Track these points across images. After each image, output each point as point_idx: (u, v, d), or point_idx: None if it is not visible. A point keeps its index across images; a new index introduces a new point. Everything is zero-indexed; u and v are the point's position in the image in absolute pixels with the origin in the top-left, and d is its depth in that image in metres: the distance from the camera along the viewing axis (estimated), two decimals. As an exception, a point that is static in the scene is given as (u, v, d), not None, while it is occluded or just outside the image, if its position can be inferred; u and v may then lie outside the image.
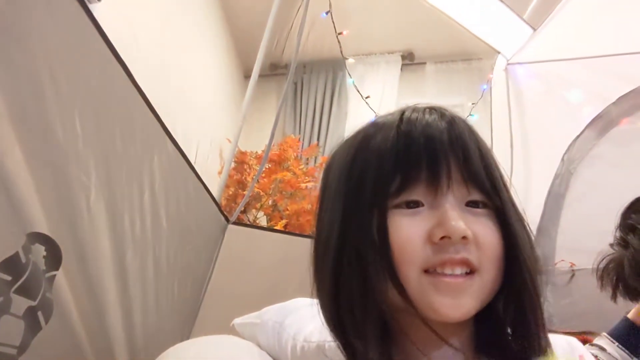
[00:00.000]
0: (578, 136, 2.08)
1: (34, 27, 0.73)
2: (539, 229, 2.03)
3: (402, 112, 0.55)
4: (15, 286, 0.68)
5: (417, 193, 0.50)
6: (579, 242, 1.99)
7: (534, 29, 2.20)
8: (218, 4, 3.16)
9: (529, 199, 2.16)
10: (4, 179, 0.66)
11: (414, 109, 0.55)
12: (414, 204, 0.51)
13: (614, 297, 1.00)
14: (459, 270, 0.49)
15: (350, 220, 0.52)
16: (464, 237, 0.48)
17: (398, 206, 0.51)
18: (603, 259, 1.02)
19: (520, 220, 0.54)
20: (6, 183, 0.67)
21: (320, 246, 0.56)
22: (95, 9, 1.10)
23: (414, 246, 0.49)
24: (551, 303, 1.77)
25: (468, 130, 0.53)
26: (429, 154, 0.50)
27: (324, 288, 0.54)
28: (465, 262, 0.48)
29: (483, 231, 0.50)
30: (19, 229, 0.70)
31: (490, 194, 0.51)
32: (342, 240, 0.53)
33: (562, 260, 1.95)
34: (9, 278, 0.67)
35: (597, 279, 1.02)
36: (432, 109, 0.55)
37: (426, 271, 0.49)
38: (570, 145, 2.09)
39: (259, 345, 0.82)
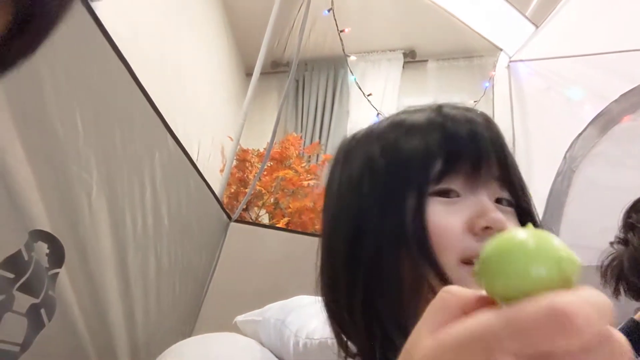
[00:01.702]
0: (580, 134, 2.08)
1: (36, 25, 0.73)
2: (541, 226, 2.03)
3: (439, 107, 0.56)
4: (18, 284, 0.69)
5: (456, 183, 0.52)
6: (581, 240, 1.98)
7: (536, 27, 2.20)
8: (219, 2, 3.15)
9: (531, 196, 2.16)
10: (6, 176, 0.67)
11: (447, 105, 0.56)
12: (452, 193, 0.52)
13: (615, 294, 1.01)
14: None
15: (385, 208, 0.52)
16: (502, 230, 0.49)
17: (436, 193, 0.51)
18: (607, 257, 1.03)
19: (538, 223, 0.57)
20: (7, 180, 0.67)
21: (332, 240, 0.56)
22: (96, 6, 1.09)
23: (454, 234, 0.50)
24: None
25: (501, 132, 0.56)
26: (473, 148, 0.52)
27: (337, 283, 0.54)
28: None
29: (512, 227, 0.51)
30: (21, 227, 0.70)
31: (519, 194, 0.54)
32: (359, 231, 0.53)
33: (564, 258, 1.95)
34: (11, 276, 0.67)
35: (600, 277, 1.03)
36: (467, 108, 0.56)
37: (464, 262, 0.49)
38: (572, 143, 2.09)
39: (261, 343, 0.82)
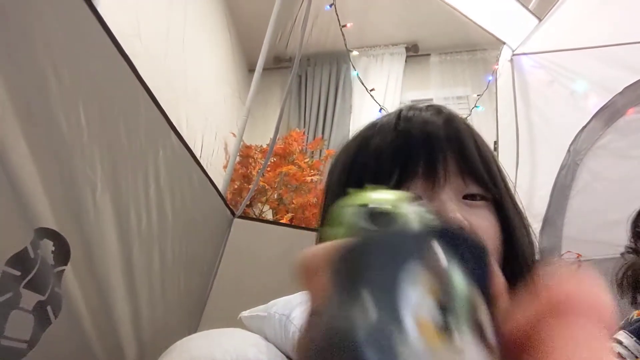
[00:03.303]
0: (584, 127, 2.07)
1: (38, 22, 0.73)
2: (545, 220, 2.03)
3: (400, 111, 0.56)
4: (25, 281, 0.69)
5: (415, 187, 0.51)
6: (585, 233, 1.98)
7: (540, 19, 2.18)
8: (221, -3, 3.15)
9: (535, 190, 2.15)
10: (11, 174, 0.67)
11: (411, 107, 0.57)
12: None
13: (634, 302, 1.01)
14: None
15: None
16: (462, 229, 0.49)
17: None
18: (620, 268, 1.03)
19: (519, 213, 0.55)
20: (13, 178, 0.67)
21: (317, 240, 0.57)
22: (98, 3, 1.09)
23: None
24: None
25: (465, 126, 0.55)
26: (426, 149, 0.51)
27: None
28: None
29: (480, 223, 0.50)
30: (27, 225, 0.70)
31: (489, 186, 0.52)
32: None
33: (569, 252, 1.95)
34: (18, 273, 0.68)
35: (617, 288, 1.03)
36: (429, 107, 0.56)
37: None
38: (577, 136, 2.08)
39: (266, 338, 0.82)
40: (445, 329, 0.16)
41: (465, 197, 0.52)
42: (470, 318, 0.19)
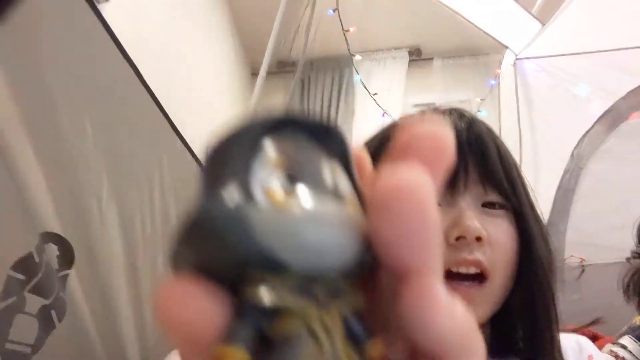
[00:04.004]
0: (587, 131, 2.07)
1: (44, 29, 0.74)
2: (549, 224, 2.03)
3: (422, 114, 0.55)
4: (30, 285, 0.70)
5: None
6: (588, 237, 1.98)
7: (543, 24, 2.19)
8: (225, 3, 3.16)
9: (538, 194, 2.12)
10: (17, 179, 0.67)
11: (435, 111, 0.56)
12: None
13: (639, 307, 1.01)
14: (473, 270, 0.48)
15: None
16: (479, 238, 0.48)
17: None
18: (627, 274, 1.04)
19: (539, 222, 0.54)
20: (19, 184, 0.68)
21: None
22: (103, 9, 1.10)
23: None
24: (560, 299, 1.76)
25: (487, 131, 0.53)
26: None
27: None
28: (477, 264, 0.48)
29: (498, 233, 0.50)
30: (32, 229, 0.71)
31: (508, 195, 0.51)
32: None
33: (572, 256, 1.95)
34: (23, 277, 0.68)
35: (623, 293, 1.03)
36: (452, 110, 0.55)
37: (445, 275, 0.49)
38: (580, 140, 2.08)
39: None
40: (294, 192, 0.17)
41: (485, 204, 0.51)
42: (320, 180, 0.19)
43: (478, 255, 0.48)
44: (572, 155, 2.08)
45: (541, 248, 0.52)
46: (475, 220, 0.48)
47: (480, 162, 0.51)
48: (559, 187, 2.08)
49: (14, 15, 0.67)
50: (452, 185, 0.50)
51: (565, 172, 2.09)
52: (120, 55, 0.93)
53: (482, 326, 0.52)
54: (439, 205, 0.50)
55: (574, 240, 2.00)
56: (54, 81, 0.76)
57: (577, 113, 2.15)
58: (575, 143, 2.09)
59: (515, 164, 0.55)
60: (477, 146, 0.51)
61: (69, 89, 0.79)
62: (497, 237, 0.50)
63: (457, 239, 0.48)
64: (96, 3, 0.88)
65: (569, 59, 2.21)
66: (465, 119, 0.53)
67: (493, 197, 0.51)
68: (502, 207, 0.52)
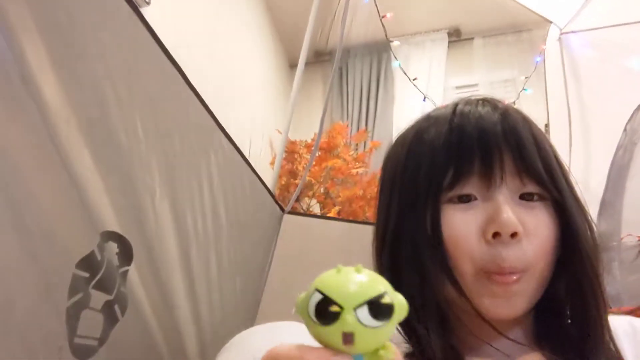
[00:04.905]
0: (641, 104, 1.98)
1: (92, 38, 0.77)
2: (603, 203, 1.95)
3: (456, 105, 0.55)
4: (93, 282, 0.73)
5: (471, 186, 0.50)
6: (645, 215, 1.90)
7: (588, -5, 2.10)
8: (261, -1, 3.19)
9: (590, 172, 2.08)
10: (77, 183, 0.71)
11: (467, 102, 0.55)
12: (467, 198, 0.50)
13: None
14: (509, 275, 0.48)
15: (405, 215, 0.53)
16: (515, 234, 0.48)
17: (451, 200, 0.51)
18: None
19: (581, 210, 0.53)
20: (79, 187, 0.72)
21: (379, 239, 0.57)
22: (145, 12, 1.13)
23: (469, 242, 0.49)
24: (618, 280, 1.70)
25: (522, 121, 0.52)
26: (481, 147, 0.50)
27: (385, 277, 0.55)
28: (512, 270, 0.48)
29: (536, 224, 0.49)
30: (93, 229, 0.75)
31: (547, 184, 0.50)
32: (398, 233, 0.53)
33: (629, 235, 1.87)
34: (87, 275, 0.72)
35: None
36: (485, 101, 0.54)
37: (483, 271, 0.49)
38: (633, 114, 1.99)
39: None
40: None
41: (523, 196, 0.50)
42: None
43: (512, 256, 0.48)
44: (625, 129, 1.99)
45: (584, 236, 0.51)
46: (511, 214, 0.48)
47: (516, 154, 0.50)
48: (613, 164, 2.00)
49: (66, 27, 0.70)
50: (488, 179, 0.50)
51: (619, 147, 2.00)
52: (166, 58, 0.96)
53: (525, 315, 0.52)
54: (476, 199, 0.49)
55: (631, 219, 1.92)
56: (106, 88, 0.79)
57: (629, 86, 2.05)
58: (628, 117, 1.99)
59: (554, 152, 0.53)
60: (512, 137, 0.50)
61: (121, 96, 0.82)
62: (535, 228, 0.49)
63: (494, 236, 0.48)
64: (138, 7, 0.91)
65: (618, 30, 2.10)
66: (499, 110, 0.52)
67: (531, 188, 0.50)
68: (541, 197, 0.51)
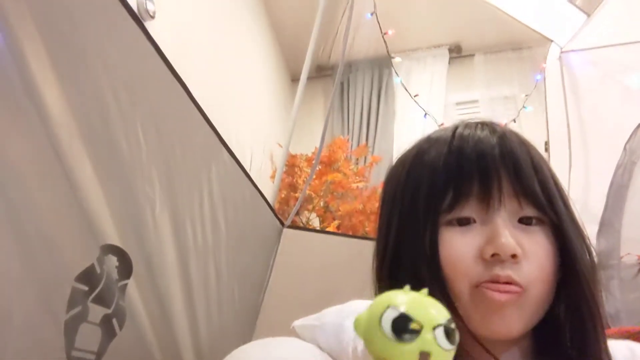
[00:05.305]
0: (640, 124, 1.98)
1: (96, 49, 0.77)
2: (602, 221, 1.95)
3: (455, 128, 0.55)
4: (92, 296, 0.73)
5: (469, 209, 0.51)
6: (645, 234, 1.89)
7: (588, 15, 2.11)
8: (263, 12, 3.21)
9: (590, 191, 2.08)
10: (78, 195, 0.71)
11: (467, 125, 0.55)
12: (465, 221, 0.51)
13: None
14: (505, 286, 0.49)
15: (405, 234, 0.53)
16: (514, 255, 0.48)
17: (450, 223, 0.51)
18: None
19: (579, 233, 0.53)
20: (80, 198, 0.72)
21: (379, 255, 0.58)
22: (149, 25, 1.14)
23: (466, 263, 0.49)
24: (618, 298, 1.70)
25: (520, 144, 0.53)
26: (480, 170, 0.50)
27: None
28: (510, 282, 0.48)
29: (534, 248, 0.50)
30: (93, 242, 0.74)
31: (545, 208, 0.50)
32: (397, 251, 0.54)
33: (629, 254, 1.87)
34: (86, 288, 0.72)
35: None
36: (484, 124, 0.55)
37: (477, 286, 0.49)
38: (633, 133, 1.99)
39: (320, 347, 0.83)
40: None
41: (521, 219, 0.51)
42: None
43: (510, 272, 0.48)
44: (624, 149, 2.00)
45: (583, 260, 0.51)
46: (509, 237, 0.48)
47: (514, 177, 0.50)
48: (612, 183, 2.00)
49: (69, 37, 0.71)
50: (487, 202, 0.50)
51: (618, 167, 2.00)
52: (168, 70, 0.97)
53: (523, 337, 0.52)
54: (474, 221, 0.50)
55: (631, 237, 1.91)
56: (108, 98, 0.79)
57: (629, 105, 2.06)
58: (628, 136, 2.00)
59: (552, 175, 0.54)
60: (510, 160, 0.51)
61: (122, 105, 0.82)
62: (533, 252, 0.49)
63: (492, 255, 0.48)
64: (142, 20, 0.91)
65: (619, 49, 2.12)
66: (497, 134, 0.53)
67: (529, 211, 0.51)
68: (539, 221, 0.51)
